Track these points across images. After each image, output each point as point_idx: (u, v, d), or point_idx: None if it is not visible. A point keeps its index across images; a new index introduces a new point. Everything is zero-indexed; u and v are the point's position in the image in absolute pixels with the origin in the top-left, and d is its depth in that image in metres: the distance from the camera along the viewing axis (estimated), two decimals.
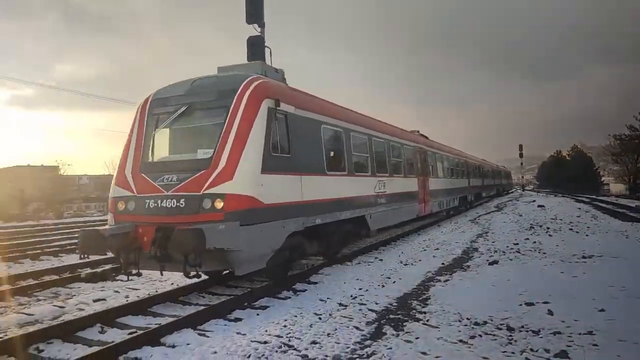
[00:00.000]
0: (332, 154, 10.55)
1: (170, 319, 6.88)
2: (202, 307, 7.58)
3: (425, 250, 13.23)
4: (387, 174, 13.93)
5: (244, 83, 8.04)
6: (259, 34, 13.20)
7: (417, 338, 5.78)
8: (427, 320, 6.49)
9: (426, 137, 21.53)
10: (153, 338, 6.07)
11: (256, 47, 13.03)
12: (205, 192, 7.10)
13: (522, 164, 71.06)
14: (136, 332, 6.45)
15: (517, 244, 13.21)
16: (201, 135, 8.22)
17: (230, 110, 7.68)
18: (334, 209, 10.08)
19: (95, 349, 5.73)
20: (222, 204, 7.00)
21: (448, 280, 9.07)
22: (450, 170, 24.40)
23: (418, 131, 21.09)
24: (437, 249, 13.32)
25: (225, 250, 6.88)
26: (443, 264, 10.92)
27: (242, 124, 7.56)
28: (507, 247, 12.75)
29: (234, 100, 7.77)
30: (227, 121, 7.60)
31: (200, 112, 8.19)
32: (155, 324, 6.78)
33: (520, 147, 67.75)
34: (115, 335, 6.46)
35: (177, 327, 6.48)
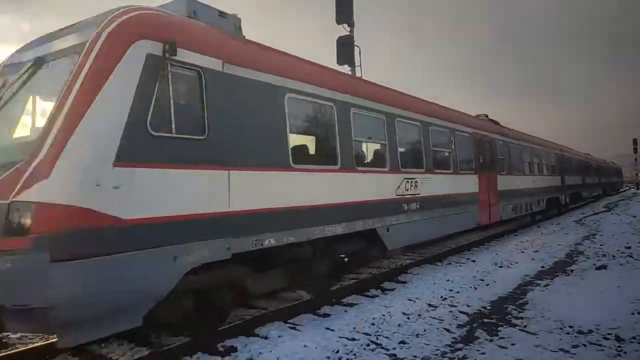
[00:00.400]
0: (307, 139, 7.74)
1: (264, 312, 7.19)
2: (293, 302, 7.80)
3: (522, 252, 12.53)
4: (421, 169, 10.52)
5: (108, 18, 5.11)
6: (349, 33, 13.35)
7: (513, 344, 5.52)
8: (525, 326, 6.16)
9: (497, 123, 17.40)
10: (248, 329, 6.37)
11: (345, 47, 13.20)
12: (14, 199, 4.34)
13: (636, 159, 64.32)
14: (232, 322, 6.82)
15: (630, 247, 12.04)
16: (41, 106, 5.69)
17: (78, 62, 4.82)
18: (309, 222, 6.97)
19: (195, 335, 6.14)
20: (29, 220, 4.24)
21: (548, 285, 8.52)
22: (533, 166, 19.83)
23: (486, 115, 17.16)
24: (536, 251, 12.54)
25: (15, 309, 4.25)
26: (543, 267, 10.27)
27: (85, 83, 4.67)
28: (618, 250, 11.67)
29: (86, 46, 4.88)
30: (69, 80, 4.74)
31: (47, 71, 5.34)
32: (249, 316, 7.11)
33: (635, 141, 61.35)
34: None
35: (270, 319, 6.75)
